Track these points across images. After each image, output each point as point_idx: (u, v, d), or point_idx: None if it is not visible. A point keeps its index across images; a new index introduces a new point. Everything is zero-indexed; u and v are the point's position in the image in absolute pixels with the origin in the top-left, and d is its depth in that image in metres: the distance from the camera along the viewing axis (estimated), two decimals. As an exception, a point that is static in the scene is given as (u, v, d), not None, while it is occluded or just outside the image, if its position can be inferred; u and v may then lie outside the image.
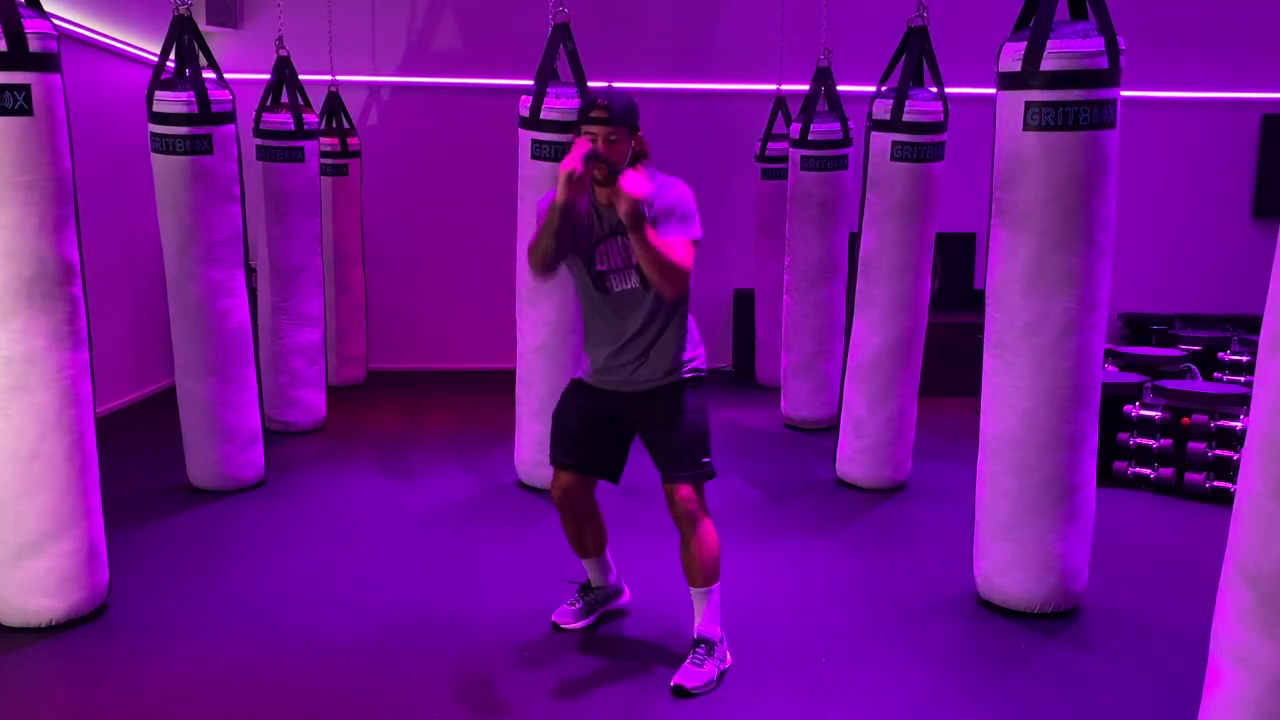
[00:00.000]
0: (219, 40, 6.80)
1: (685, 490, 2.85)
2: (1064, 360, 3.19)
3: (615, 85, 2.85)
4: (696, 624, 2.94)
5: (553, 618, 3.25)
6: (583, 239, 2.85)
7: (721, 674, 2.91)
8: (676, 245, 2.72)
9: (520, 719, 2.73)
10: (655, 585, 3.50)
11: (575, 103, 4.26)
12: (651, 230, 2.66)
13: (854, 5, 7.02)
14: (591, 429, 3.00)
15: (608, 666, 3.01)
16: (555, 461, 3.03)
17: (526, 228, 4.22)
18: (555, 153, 4.31)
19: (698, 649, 2.91)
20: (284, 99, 5.60)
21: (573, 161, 2.63)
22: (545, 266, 2.83)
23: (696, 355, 2.97)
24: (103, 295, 5.39)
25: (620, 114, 2.75)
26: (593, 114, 2.75)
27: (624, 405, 2.95)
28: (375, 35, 7.35)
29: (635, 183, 2.61)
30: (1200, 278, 7.81)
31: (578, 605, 3.27)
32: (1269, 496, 1.77)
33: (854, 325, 4.75)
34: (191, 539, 4.09)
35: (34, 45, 2.98)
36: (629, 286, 2.86)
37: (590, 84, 4.40)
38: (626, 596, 3.39)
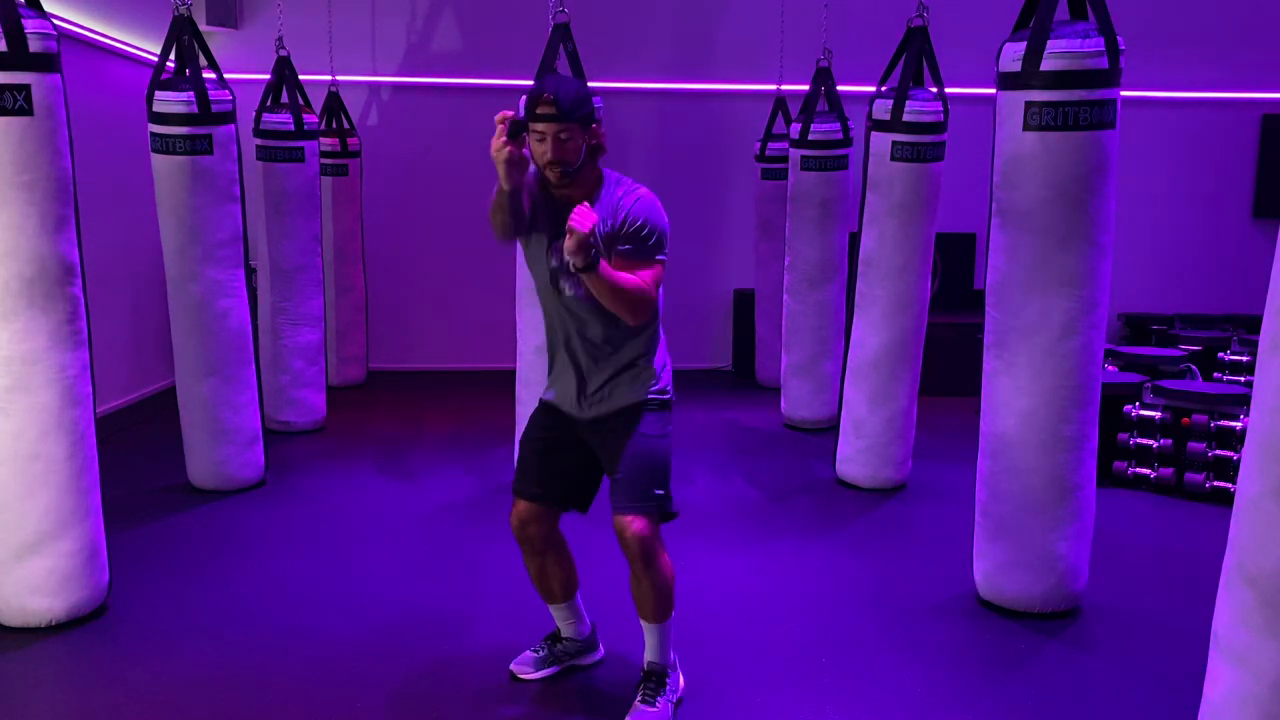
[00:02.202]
0: (219, 40, 6.80)
1: (635, 524, 2.54)
2: (1064, 360, 3.19)
3: (561, 74, 2.57)
4: (646, 654, 2.73)
5: (511, 666, 2.94)
6: (542, 231, 2.58)
7: (676, 705, 2.75)
8: (640, 275, 2.47)
9: (521, 719, 2.73)
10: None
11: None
12: (606, 267, 2.40)
13: (854, 5, 7.02)
14: (553, 454, 2.72)
15: (608, 666, 3.01)
16: (514, 489, 2.75)
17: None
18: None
19: (648, 684, 2.69)
20: (284, 99, 5.60)
21: (503, 143, 2.37)
22: (505, 238, 2.59)
23: (662, 376, 2.66)
24: (103, 295, 5.39)
25: (569, 107, 2.41)
26: (539, 109, 2.42)
27: (580, 428, 2.68)
28: (375, 35, 7.35)
29: (580, 217, 2.31)
30: (1200, 278, 7.81)
31: (540, 654, 2.95)
32: (1269, 496, 1.77)
33: (854, 325, 4.75)
34: (191, 539, 4.09)
35: (34, 45, 2.98)
36: (583, 291, 2.53)
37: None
38: (600, 653, 3.03)
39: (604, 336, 2.59)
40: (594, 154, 2.54)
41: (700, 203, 7.43)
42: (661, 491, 2.59)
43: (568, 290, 2.57)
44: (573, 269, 2.40)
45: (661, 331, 2.70)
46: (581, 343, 2.62)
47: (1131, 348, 6.00)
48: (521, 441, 2.82)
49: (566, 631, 2.96)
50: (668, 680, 2.73)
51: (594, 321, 2.58)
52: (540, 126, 2.43)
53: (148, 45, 6.15)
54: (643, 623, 2.71)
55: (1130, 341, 7.36)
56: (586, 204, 2.39)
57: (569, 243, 2.32)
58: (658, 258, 2.54)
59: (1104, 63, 3.05)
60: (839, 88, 5.71)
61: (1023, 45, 3.11)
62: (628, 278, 2.45)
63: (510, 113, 2.39)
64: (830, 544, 4.10)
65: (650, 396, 2.62)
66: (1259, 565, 1.80)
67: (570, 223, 2.32)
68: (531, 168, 2.53)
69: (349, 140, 6.77)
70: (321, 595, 3.54)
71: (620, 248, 2.51)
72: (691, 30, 7.51)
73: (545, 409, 2.77)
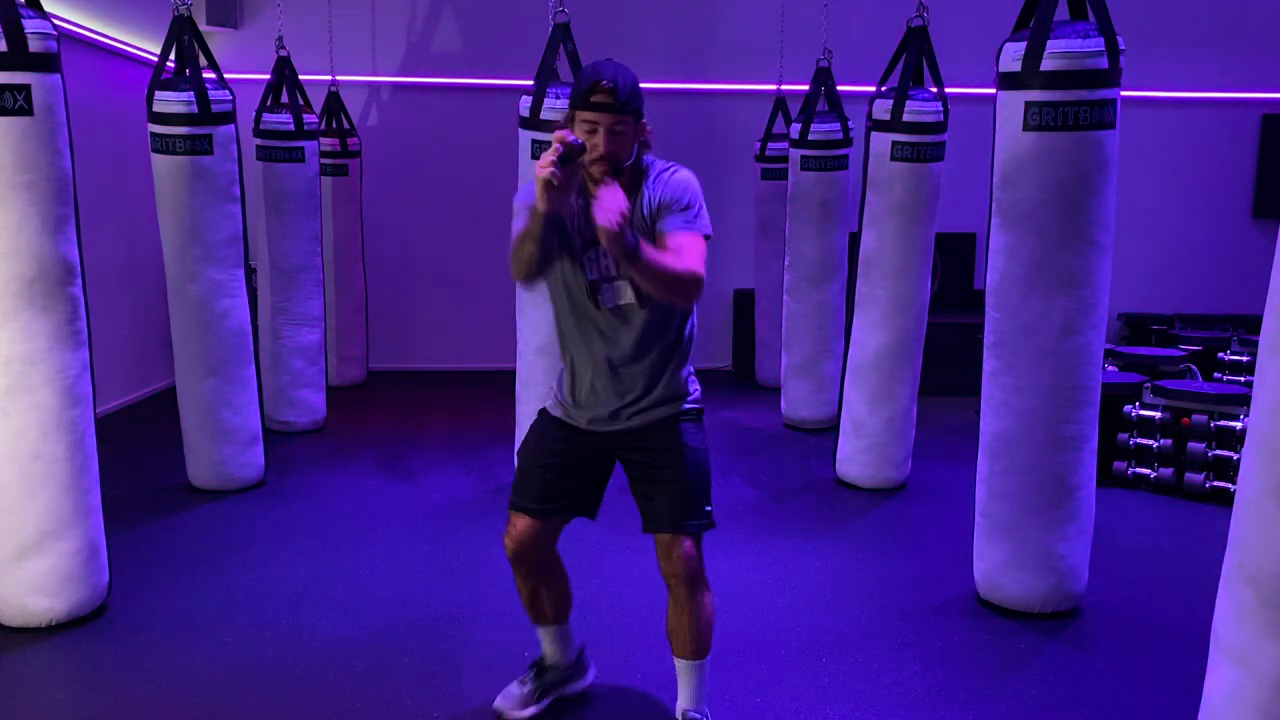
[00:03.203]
0: (219, 40, 6.80)
1: (687, 544, 2.39)
2: (1064, 360, 3.19)
3: (608, 62, 2.35)
4: (682, 702, 2.52)
5: (496, 703, 2.70)
6: (574, 241, 2.38)
7: None
8: (683, 250, 2.25)
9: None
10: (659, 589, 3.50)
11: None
12: (647, 249, 2.18)
13: (854, 5, 7.02)
14: (562, 471, 2.51)
15: (609, 665, 3.01)
16: (513, 504, 2.53)
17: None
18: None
19: None
20: (284, 99, 5.60)
21: (549, 165, 2.15)
22: (529, 276, 2.33)
23: (697, 388, 2.52)
24: (103, 295, 5.39)
25: (627, 97, 2.25)
26: (594, 98, 2.23)
27: (610, 444, 2.49)
28: (375, 35, 7.35)
29: (606, 203, 2.12)
30: (1200, 278, 7.81)
31: (528, 687, 2.71)
32: (1269, 496, 1.77)
33: (854, 325, 4.75)
34: (191, 539, 4.09)
35: (34, 45, 2.98)
36: (624, 302, 2.38)
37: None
38: (590, 676, 2.84)
39: (639, 348, 2.40)
40: (642, 150, 2.36)
41: (700, 203, 7.41)
42: (710, 508, 2.45)
43: (606, 304, 2.39)
44: (616, 263, 2.26)
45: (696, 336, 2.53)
46: (615, 357, 2.41)
47: (1131, 348, 6.00)
48: (523, 455, 2.59)
49: (554, 657, 2.73)
50: None
51: (628, 333, 2.40)
52: (593, 116, 2.24)
53: (148, 45, 6.14)
54: (679, 662, 2.50)
55: (1130, 341, 7.36)
56: (609, 191, 2.18)
57: (602, 239, 2.13)
58: (699, 229, 2.31)
59: (1104, 63, 3.05)
60: (839, 88, 5.71)
61: (1023, 45, 3.11)
62: (671, 259, 2.23)
63: (571, 136, 2.19)
64: (830, 544, 4.10)
65: (688, 407, 2.47)
66: (1259, 565, 1.80)
67: (597, 221, 2.12)
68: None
69: (349, 140, 6.77)
70: (321, 595, 3.54)
71: (660, 226, 2.31)
72: (691, 30, 7.51)
73: (550, 422, 2.55)
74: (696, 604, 2.44)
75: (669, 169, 2.38)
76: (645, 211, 2.34)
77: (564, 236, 2.35)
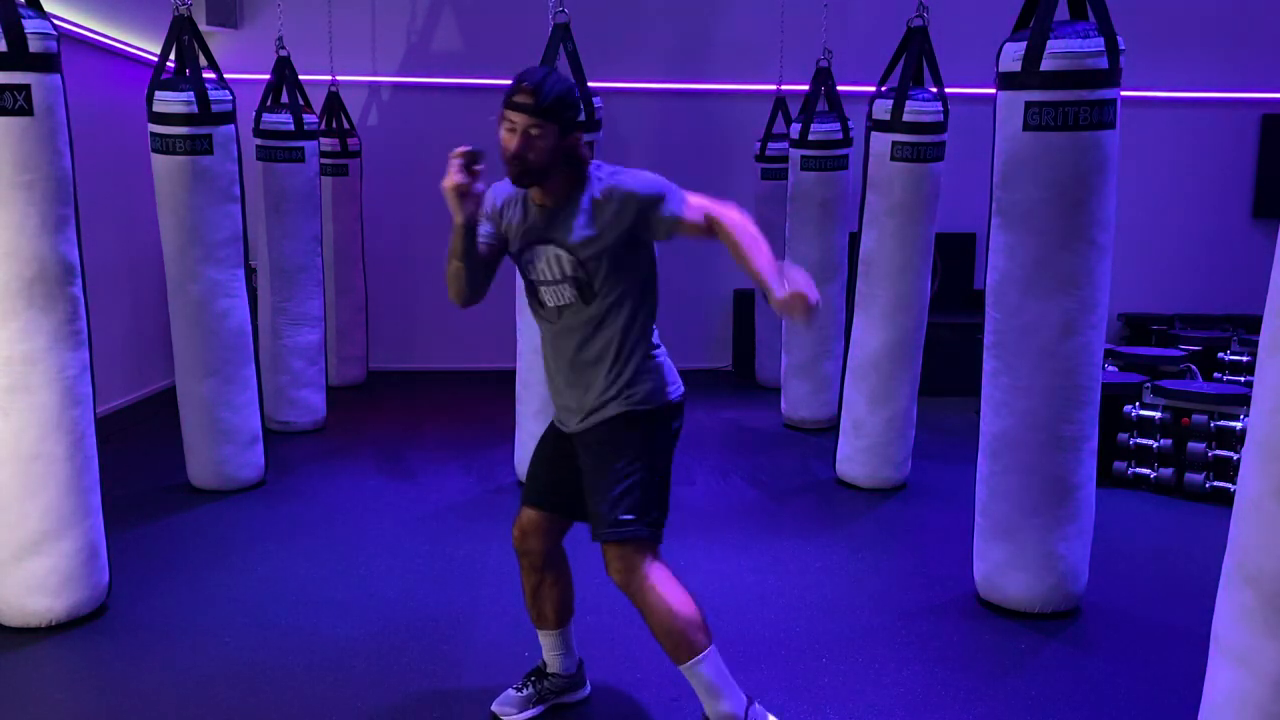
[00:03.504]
0: (219, 40, 6.80)
1: (614, 554, 2.37)
2: (1064, 360, 3.19)
3: (559, 72, 2.41)
4: (703, 708, 2.46)
5: (493, 706, 2.71)
6: (514, 246, 2.47)
7: None
8: (700, 214, 2.31)
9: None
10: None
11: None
12: (776, 268, 2.20)
13: (854, 5, 7.02)
14: (556, 470, 2.56)
15: (610, 665, 3.01)
16: (523, 498, 2.63)
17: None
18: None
19: None
20: (284, 99, 5.60)
21: (452, 174, 2.26)
22: (459, 293, 2.42)
23: (654, 387, 2.44)
24: (103, 295, 5.39)
25: (548, 103, 2.26)
26: (515, 98, 2.26)
27: (577, 445, 2.51)
28: (375, 35, 7.35)
29: (802, 282, 2.13)
30: (1200, 278, 7.81)
31: (524, 692, 2.71)
32: (1269, 496, 1.77)
33: (854, 325, 4.75)
34: (191, 539, 4.09)
35: (34, 45, 2.98)
36: (564, 302, 2.41)
37: (525, 68, 4.38)
38: (586, 690, 2.82)
39: (587, 343, 2.41)
40: (571, 163, 2.35)
41: (700, 203, 7.41)
42: (631, 516, 2.35)
43: (549, 302, 2.44)
44: (553, 266, 2.36)
45: (659, 348, 2.50)
46: (570, 354, 2.45)
47: (1131, 348, 6.00)
48: (534, 452, 2.69)
49: (553, 666, 2.73)
50: None
51: (576, 330, 2.42)
52: (513, 116, 2.27)
53: (148, 45, 6.14)
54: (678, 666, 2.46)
55: (1130, 341, 7.36)
56: (799, 273, 2.17)
57: (798, 318, 2.16)
58: (678, 195, 2.33)
59: (1104, 63, 3.05)
60: (839, 88, 5.71)
61: (1023, 45, 3.11)
62: (746, 239, 2.26)
63: (467, 148, 2.29)
64: (830, 544, 4.09)
65: (633, 409, 2.41)
66: (1259, 565, 1.80)
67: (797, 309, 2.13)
68: (487, 203, 2.43)
69: (349, 140, 6.77)
70: (321, 595, 3.54)
71: (651, 216, 2.31)
72: (691, 30, 7.51)
73: (553, 424, 2.63)
74: (648, 612, 2.38)
75: (613, 170, 2.40)
76: (589, 231, 2.35)
77: (508, 244, 2.46)
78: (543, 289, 2.44)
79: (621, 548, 2.37)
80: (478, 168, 2.30)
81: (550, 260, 2.40)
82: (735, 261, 2.33)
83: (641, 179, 2.37)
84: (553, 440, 2.61)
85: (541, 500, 2.59)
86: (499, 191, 2.49)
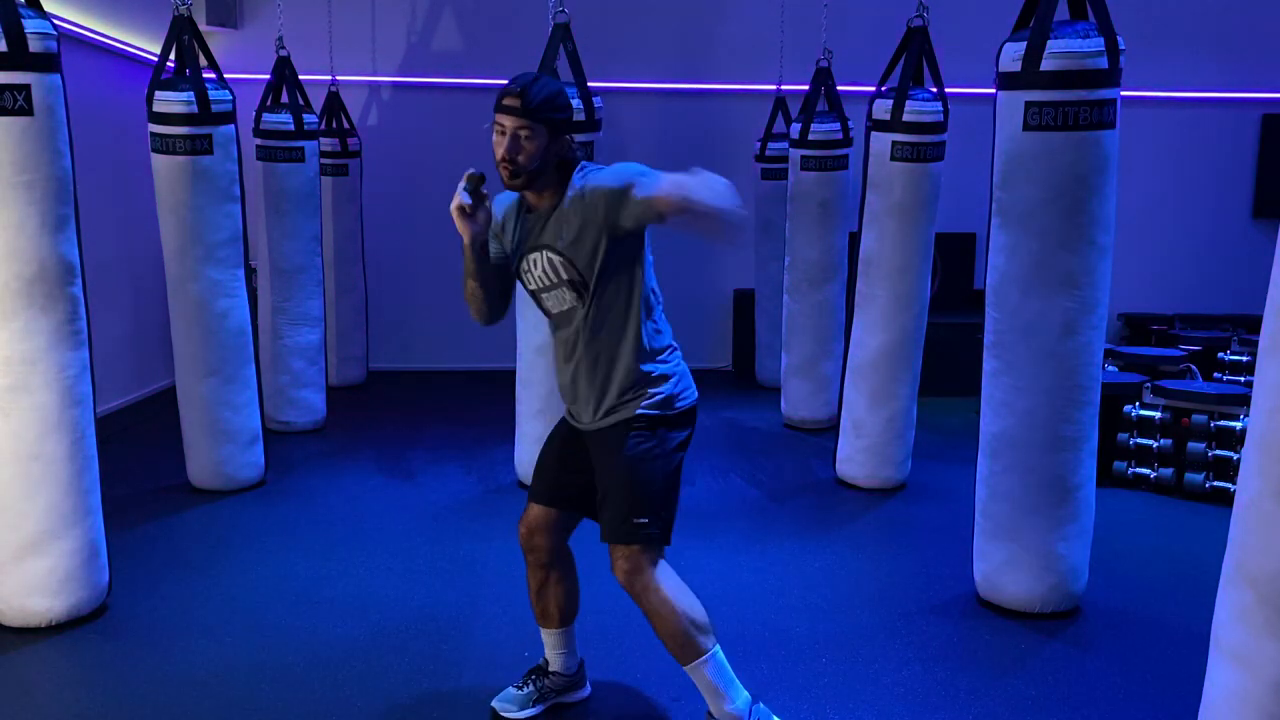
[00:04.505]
0: (219, 40, 6.79)
1: (621, 557, 2.38)
2: (1064, 360, 3.19)
3: (549, 76, 2.43)
4: (708, 707, 2.50)
5: (493, 704, 2.72)
6: (514, 259, 2.51)
7: None
8: (663, 191, 2.22)
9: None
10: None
11: (576, 103, 4.22)
12: (670, 202, 2.20)
13: (854, 5, 7.02)
14: (565, 466, 2.58)
15: (611, 665, 3.01)
16: (530, 493, 2.64)
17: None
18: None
19: None
20: (284, 99, 5.60)
21: (457, 196, 2.32)
22: (481, 312, 2.50)
23: (670, 391, 2.46)
24: (103, 295, 5.39)
25: (536, 105, 2.29)
26: (504, 101, 2.30)
27: (589, 443, 2.54)
28: (375, 35, 7.35)
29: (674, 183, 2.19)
30: (1200, 278, 7.80)
31: (525, 690, 2.72)
32: (1269, 496, 1.77)
33: (854, 325, 4.75)
34: (191, 539, 4.09)
35: (34, 45, 2.98)
36: (565, 307, 2.46)
37: (522, 73, 4.37)
38: (586, 691, 2.83)
39: (592, 347, 2.43)
40: (561, 165, 2.39)
41: (700, 203, 7.41)
42: (644, 520, 2.37)
43: (553, 309, 2.48)
44: (550, 272, 2.40)
45: (670, 346, 2.52)
46: (579, 356, 2.47)
47: (1131, 348, 6.00)
48: (542, 449, 2.68)
49: (555, 665, 2.74)
50: None
51: (580, 334, 2.44)
52: (502, 119, 2.32)
53: (148, 45, 6.14)
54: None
55: (1130, 341, 7.35)
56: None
57: (670, 211, 2.21)
58: (649, 180, 2.28)
59: (1104, 63, 3.05)
60: (839, 88, 5.71)
61: (1023, 45, 3.11)
62: (694, 189, 2.17)
63: (473, 171, 2.35)
64: (830, 544, 4.09)
65: (642, 411, 2.42)
66: (1259, 565, 1.80)
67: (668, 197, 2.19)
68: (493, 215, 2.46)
69: (349, 140, 6.77)
70: (321, 595, 3.54)
71: (622, 206, 2.29)
72: (691, 30, 7.51)
73: (563, 421, 2.64)
74: (652, 613, 2.40)
75: (594, 168, 2.42)
76: (571, 210, 2.37)
77: (510, 256, 2.50)
78: (544, 296, 2.48)
79: (629, 549, 2.39)
80: (483, 190, 2.36)
81: (545, 266, 2.44)
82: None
83: (615, 171, 2.36)
84: (564, 436, 2.62)
85: (550, 496, 2.59)
86: (499, 207, 2.52)
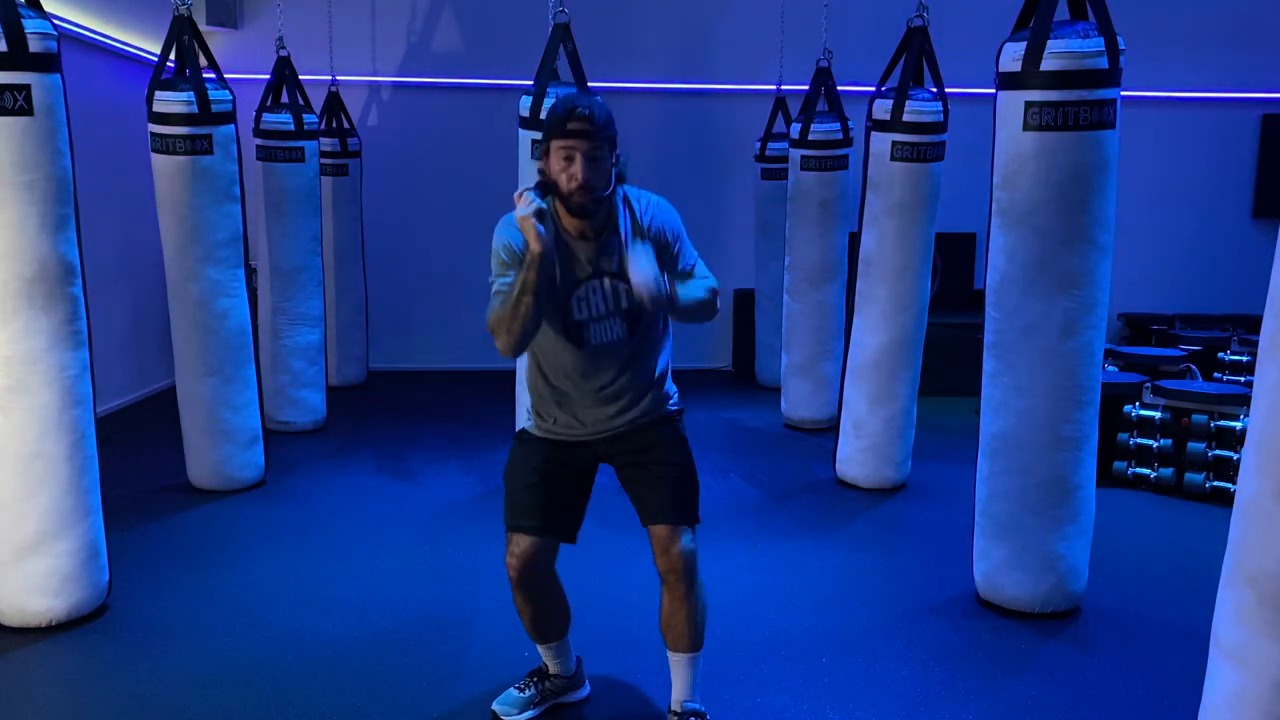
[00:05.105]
0: (219, 40, 6.79)
1: (686, 539, 2.42)
2: (1064, 360, 3.19)
3: (577, 92, 2.42)
4: (677, 694, 2.54)
5: (494, 705, 2.70)
6: (556, 284, 2.37)
7: None
8: (700, 281, 2.41)
9: (520, 719, 2.73)
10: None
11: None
12: (679, 292, 2.32)
13: (854, 5, 7.02)
14: (556, 485, 2.49)
15: (610, 665, 3.01)
16: (515, 526, 2.47)
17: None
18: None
19: None
20: (284, 99, 5.60)
21: (530, 204, 2.23)
22: (519, 341, 2.31)
23: (674, 392, 2.60)
24: (103, 295, 5.39)
25: (603, 125, 2.25)
26: (571, 124, 2.23)
27: (599, 450, 2.52)
28: (375, 35, 7.35)
29: (643, 267, 2.21)
30: (1200, 278, 7.81)
31: (526, 693, 2.71)
32: (1269, 496, 1.77)
33: (854, 325, 4.75)
34: (191, 539, 4.09)
35: (34, 45, 2.98)
36: (611, 339, 2.40)
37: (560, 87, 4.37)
38: (585, 690, 2.83)
39: (624, 374, 2.44)
40: (618, 182, 2.36)
41: (700, 203, 7.41)
42: (693, 508, 2.51)
43: (593, 341, 2.40)
44: (609, 301, 2.38)
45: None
46: (598, 387, 2.44)
47: (1131, 348, 6.00)
48: (510, 477, 2.53)
49: (555, 669, 2.74)
50: None
51: (614, 363, 2.43)
52: (570, 143, 2.23)
53: (148, 45, 6.14)
54: (674, 656, 2.52)
55: (1130, 341, 7.35)
56: (641, 252, 2.25)
57: (646, 300, 2.23)
58: (695, 257, 2.48)
59: (1104, 63, 3.05)
60: (839, 88, 5.71)
61: (1023, 45, 3.11)
62: (697, 288, 2.39)
63: (529, 191, 2.27)
64: (830, 544, 4.10)
65: (672, 409, 2.57)
66: (1259, 565, 1.80)
67: (639, 286, 2.22)
68: (501, 245, 2.41)
69: (349, 140, 6.77)
70: (321, 595, 3.54)
71: (668, 254, 2.40)
72: (691, 30, 7.51)
73: (531, 443, 2.54)
74: (688, 595, 2.47)
75: (649, 197, 2.44)
76: (634, 237, 2.38)
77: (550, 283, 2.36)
78: (591, 327, 2.40)
79: (691, 533, 2.46)
80: (550, 196, 2.33)
81: (606, 293, 2.38)
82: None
83: (668, 210, 2.44)
84: (544, 457, 2.51)
85: (541, 526, 2.47)
86: (515, 235, 2.35)
